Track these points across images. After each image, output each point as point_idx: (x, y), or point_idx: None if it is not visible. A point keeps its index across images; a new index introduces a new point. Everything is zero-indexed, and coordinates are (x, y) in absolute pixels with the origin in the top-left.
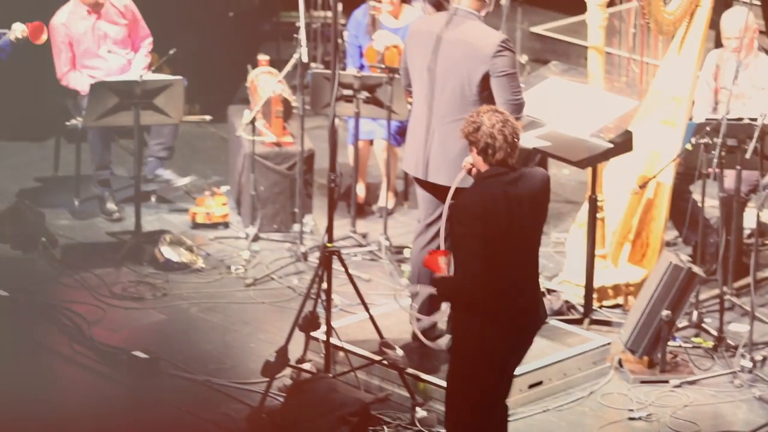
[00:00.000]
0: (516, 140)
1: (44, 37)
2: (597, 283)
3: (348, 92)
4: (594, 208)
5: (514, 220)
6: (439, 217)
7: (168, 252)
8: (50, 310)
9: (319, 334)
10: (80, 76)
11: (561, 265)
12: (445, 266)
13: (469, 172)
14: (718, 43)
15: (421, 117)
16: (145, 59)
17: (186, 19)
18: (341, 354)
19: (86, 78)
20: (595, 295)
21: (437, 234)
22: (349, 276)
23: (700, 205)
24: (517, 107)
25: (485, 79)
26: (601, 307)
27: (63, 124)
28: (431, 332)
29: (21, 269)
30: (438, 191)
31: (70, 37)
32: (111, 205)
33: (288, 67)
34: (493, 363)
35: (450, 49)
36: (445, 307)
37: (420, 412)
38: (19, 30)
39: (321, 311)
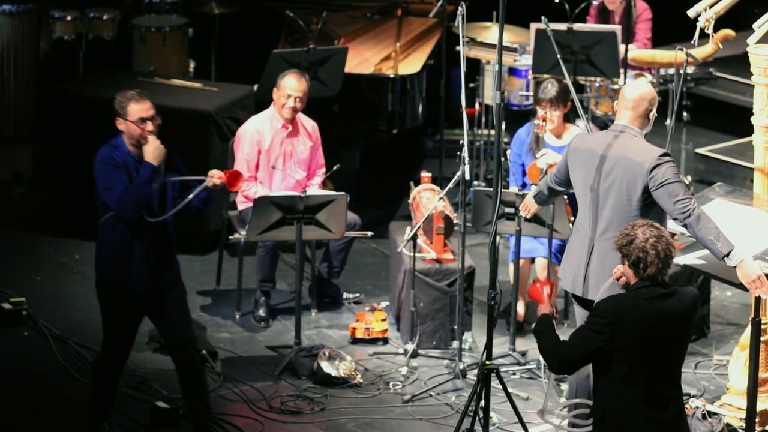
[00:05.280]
0: (669, 256)
1: (241, 185)
2: (759, 407)
3: (510, 210)
4: (757, 330)
5: (655, 336)
6: None
7: (327, 366)
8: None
9: None
10: (259, 188)
11: (723, 387)
12: (547, 297)
13: (618, 279)
14: None
15: (580, 233)
16: (318, 188)
17: (350, 136)
18: None
19: (263, 191)
20: (757, 419)
21: None
22: (507, 394)
23: None
24: (689, 212)
25: (645, 195)
26: (763, 431)
27: (226, 238)
28: None
29: None
30: None
31: (260, 145)
32: (263, 313)
33: (450, 185)
34: None
35: (610, 167)
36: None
37: None
38: (216, 176)
39: (478, 429)
